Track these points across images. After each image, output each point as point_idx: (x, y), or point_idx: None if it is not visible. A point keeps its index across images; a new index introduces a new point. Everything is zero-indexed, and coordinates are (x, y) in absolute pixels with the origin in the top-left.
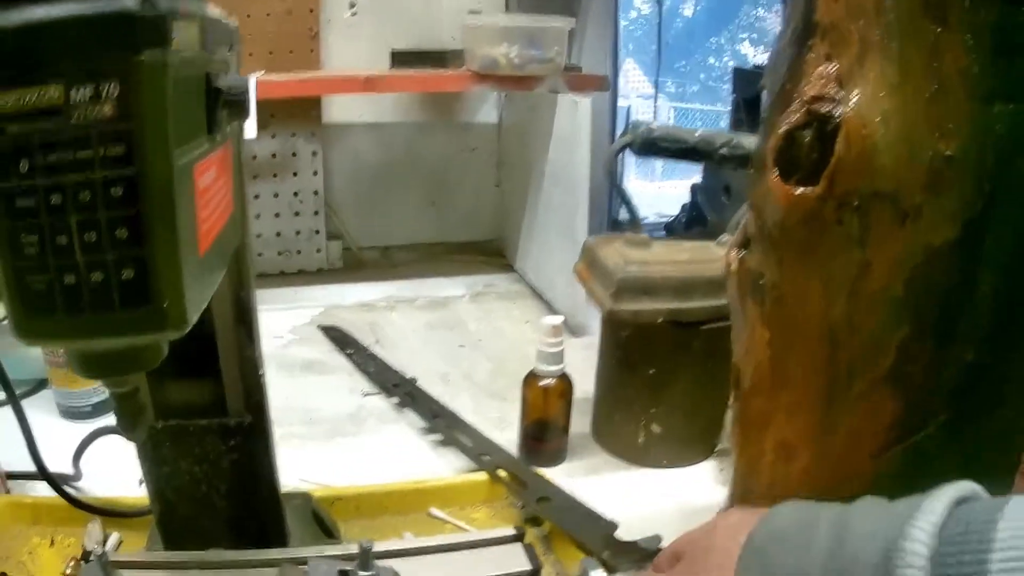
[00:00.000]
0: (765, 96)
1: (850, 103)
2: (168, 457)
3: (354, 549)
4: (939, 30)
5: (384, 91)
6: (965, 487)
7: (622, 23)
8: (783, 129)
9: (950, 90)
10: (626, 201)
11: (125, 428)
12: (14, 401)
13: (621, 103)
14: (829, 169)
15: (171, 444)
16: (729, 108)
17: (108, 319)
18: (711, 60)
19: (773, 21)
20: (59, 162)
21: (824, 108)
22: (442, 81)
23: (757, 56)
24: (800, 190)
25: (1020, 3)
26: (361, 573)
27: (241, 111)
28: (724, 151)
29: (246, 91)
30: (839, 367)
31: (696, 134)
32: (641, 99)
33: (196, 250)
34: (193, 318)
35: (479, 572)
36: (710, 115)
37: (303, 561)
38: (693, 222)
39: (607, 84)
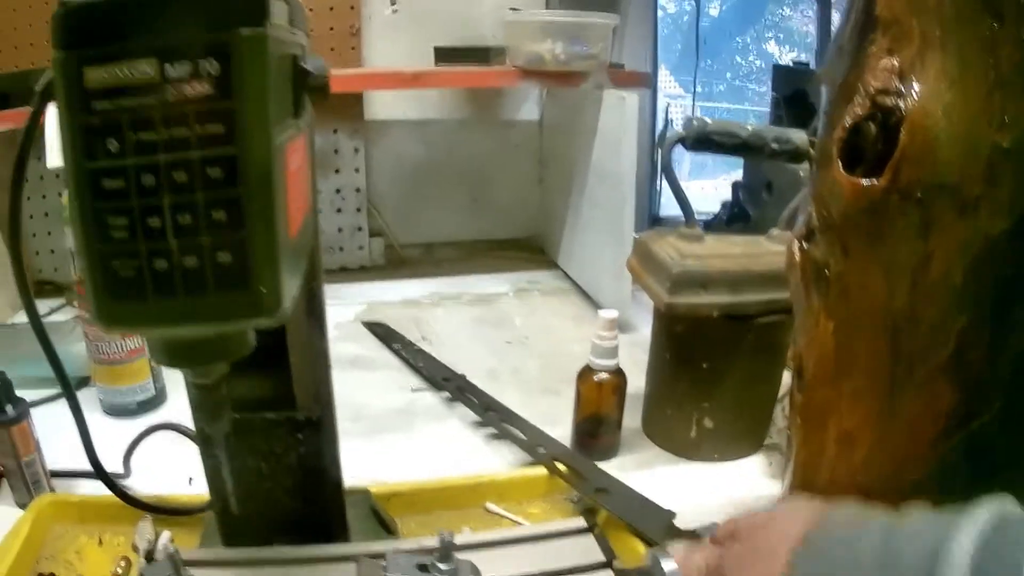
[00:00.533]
0: (825, 89)
1: (913, 96)
2: (235, 452)
3: (422, 544)
4: (996, 25)
5: (431, 87)
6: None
7: None
8: (848, 121)
9: (1007, 84)
10: (679, 196)
11: (206, 421)
12: (72, 398)
13: None
14: (893, 161)
15: (238, 439)
16: (756, 107)
17: (201, 304)
18: (737, 59)
19: (799, 20)
20: (153, 141)
21: (888, 101)
22: (488, 77)
23: (783, 55)
24: (865, 181)
25: None
26: (440, 566)
27: (324, 95)
28: (775, 145)
29: (328, 75)
30: (900, 356)
31: (748, 128)
32: (669, 98)
33: (288, 234)
34: (287, 304)
35: (555, 564)
36: (737, 114)
37: (380, 555)
38: (735, 219)
39: (650, 81)
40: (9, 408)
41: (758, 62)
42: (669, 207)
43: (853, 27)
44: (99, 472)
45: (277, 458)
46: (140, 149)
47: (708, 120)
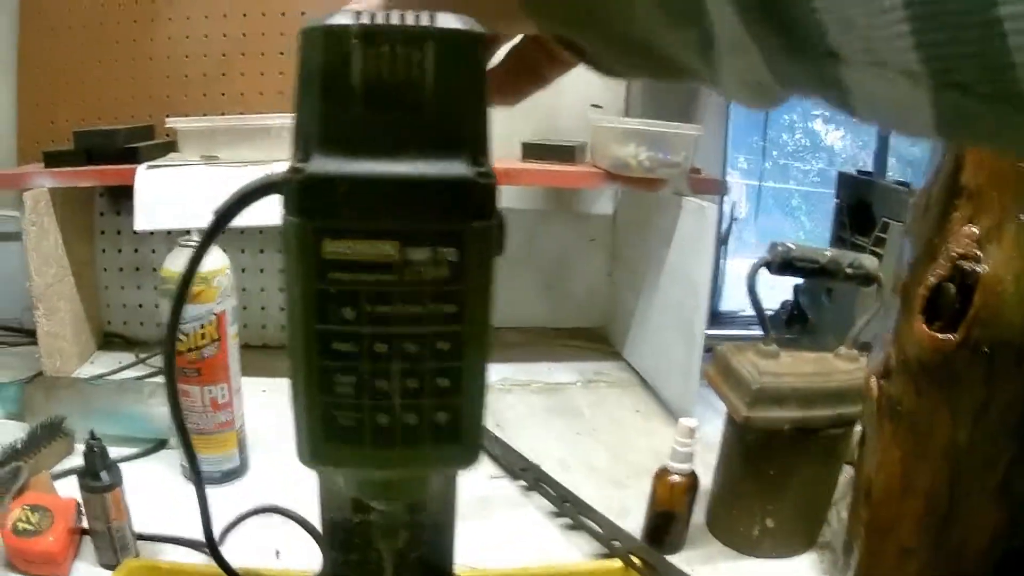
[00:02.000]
0: (909, 241)
1: (989, 262)
2: (359, 545)
3: None
4: None
5: (520, 183)
6: None
7: None
8: (932, 281)
9: None
10: (761, 317)
11: (380, 538)
12: (196, 474)
13: None
14: (968, 320)
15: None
16: (801, 185)
17: (414, 454)
18: (784, 137)
19: None
20: (387, 314)
21: (967, 265)
22: (573, 177)
23: (829, 135)
24: (942, 336)
25: None
26: None
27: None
28: (849, 270)
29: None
30: (957, 482)
31: (827, 255)
32: None
33: None
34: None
35: None
36: (781, 194)
37: None
38: (793, 320)
39: (726, 188)
40: (104, 475)
41: (804, 140)
42: (729, 301)
43: (940, 190)
44: (212, 547)
45: (401, 555)
46: (374, 320)
47: (792, 246)
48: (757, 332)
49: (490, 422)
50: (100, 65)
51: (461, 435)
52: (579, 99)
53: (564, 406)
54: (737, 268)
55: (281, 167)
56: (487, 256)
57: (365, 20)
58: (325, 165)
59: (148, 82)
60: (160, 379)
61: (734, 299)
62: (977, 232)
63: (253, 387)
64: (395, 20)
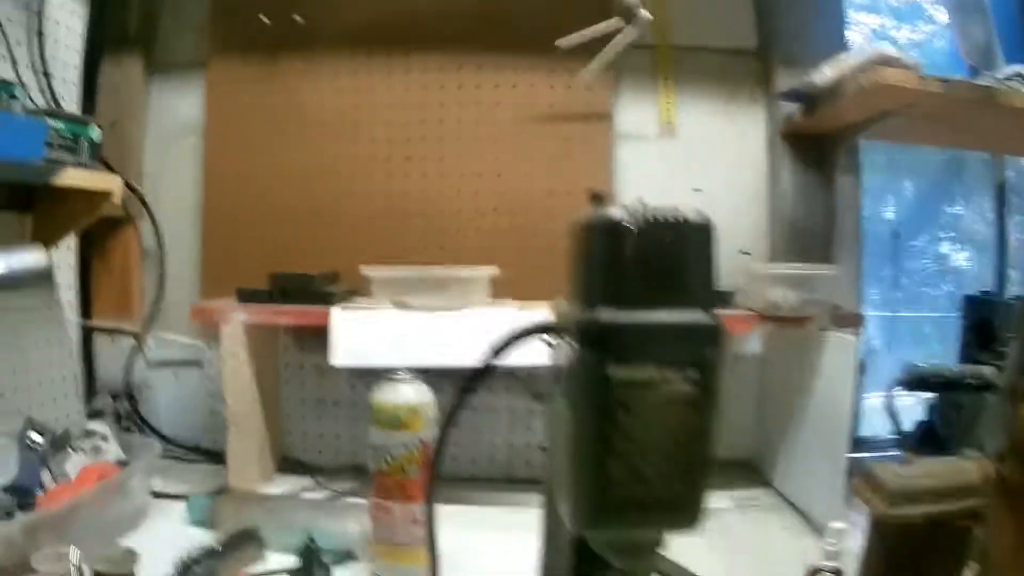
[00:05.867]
0: (1014, 347)
1: None
2: None
3: None
4: None
5: None
6: None
7: None
8: None
9: None
10: (899, 430)
11: None
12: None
13: None
14: None
15: None
16: (932, 311)
17: (664, 518)
18: (912, 263)
19: (970, 218)
20: (650, 417)
21: None
22: (733, 321)
23: (956, 255)
24: None
25: None
26: None
27: None
28: (971, 380)
29: None
30: None
31: (953, 370)
32: None
33: None
34: None
35: None
36: (914, 322)
37: None
38: (926, 439)
39: (864, 322)
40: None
41: (933, 265)
42: (866, 428)
43: None
44: None
45: None
46: (644, 425)
47: (922, 365)
48: (894, 454)
49: None
50: (281, 215)
51: (697, 506)
52: (730, 246)
53: (720, 528)
54: (872, 400)
55: (476, 317)
56: (718, 374)
57: (636, 216)
58: (610, 315)
59: (330, 233)
60: (347, 499)
61: (870, 427)
62: None
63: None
64: (655, 216)
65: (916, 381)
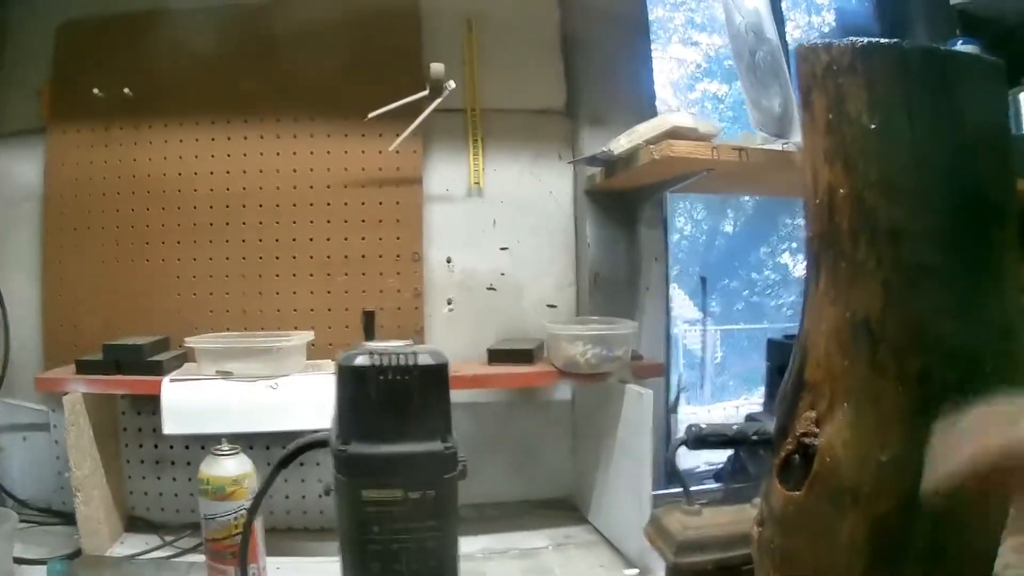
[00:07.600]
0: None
1: (825, 436)
2: None
3: None
4: (881, 382)
5: (488, 387)
6: None
7: None
8: (782, 454)
9: (885, 422)
10: (684, 486)
11: None
12: None
13: None
14: (809, 479)
15: None
16: (774, 322)
17: None
18: (753, 275)
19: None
20: (399, 529)
21: (808, 440)
22: (532, 377)
23: (797, 267)
24: (793, 493)
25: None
26: None
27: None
28: (754, 437)
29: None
30: None
31: (733, 428)
32: (687, 324)
33: None
34: None
35: None
36: (755, 335)
37: None
38: (737, 472)
39: (664, 371)
40: None
41: (773, 275)
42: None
43: (791, 384)
44: None
45: None
46: (392, 532)
47: (703, 425)
48: (712, 486)
49: None
50: (118, 279)
51: None
52: (538, 299)
53: (537, 568)
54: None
55: (293, 384)
56: (453, 492)
57: (376, 361)
58: (359, 448)
59: (162, 297)
60: (189, 558)
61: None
62: (815, 415)
63: (270, 565)
64: (395, 361)
65: (698, 440)
